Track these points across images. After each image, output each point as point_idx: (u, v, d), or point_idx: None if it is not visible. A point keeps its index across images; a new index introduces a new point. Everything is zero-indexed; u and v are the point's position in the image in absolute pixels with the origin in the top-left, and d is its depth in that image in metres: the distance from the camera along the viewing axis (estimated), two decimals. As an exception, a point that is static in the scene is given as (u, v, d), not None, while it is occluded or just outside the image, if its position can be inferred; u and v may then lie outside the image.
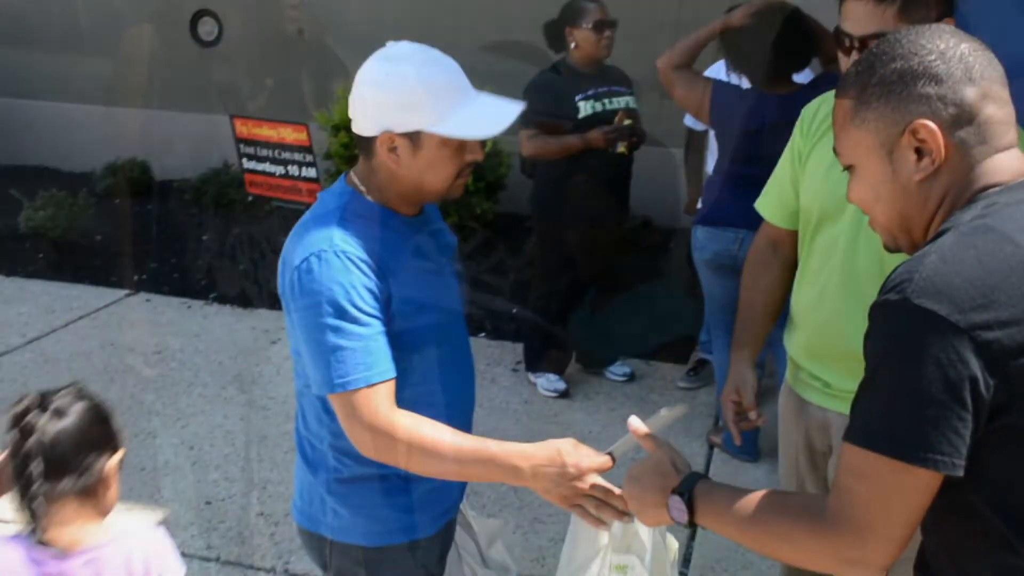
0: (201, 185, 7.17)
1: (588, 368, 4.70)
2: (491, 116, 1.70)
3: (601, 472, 1.67)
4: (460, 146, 1.72)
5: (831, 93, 2.19)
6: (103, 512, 1.74)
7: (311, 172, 5.54)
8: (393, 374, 1.72)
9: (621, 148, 4.13)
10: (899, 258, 1.96)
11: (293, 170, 5.63)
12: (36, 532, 1.65)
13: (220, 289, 5.77)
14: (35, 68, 8.03)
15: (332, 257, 1.68)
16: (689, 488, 1.45)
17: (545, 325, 4.45)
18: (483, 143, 1.75)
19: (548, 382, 4.48)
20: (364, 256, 1.69)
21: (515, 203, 5.95)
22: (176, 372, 4.64)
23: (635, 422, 1.62)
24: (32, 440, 1.62)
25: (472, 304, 5.51)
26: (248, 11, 7.42)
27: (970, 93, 1.27)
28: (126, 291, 5.71)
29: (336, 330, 1.66)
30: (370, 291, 1.68)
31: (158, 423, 4.14)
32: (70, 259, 6.13)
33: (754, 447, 3.92)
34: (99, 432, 1.71)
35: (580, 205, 4.22)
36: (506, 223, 6.73)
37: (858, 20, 1.93)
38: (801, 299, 2.15)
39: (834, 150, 1.44)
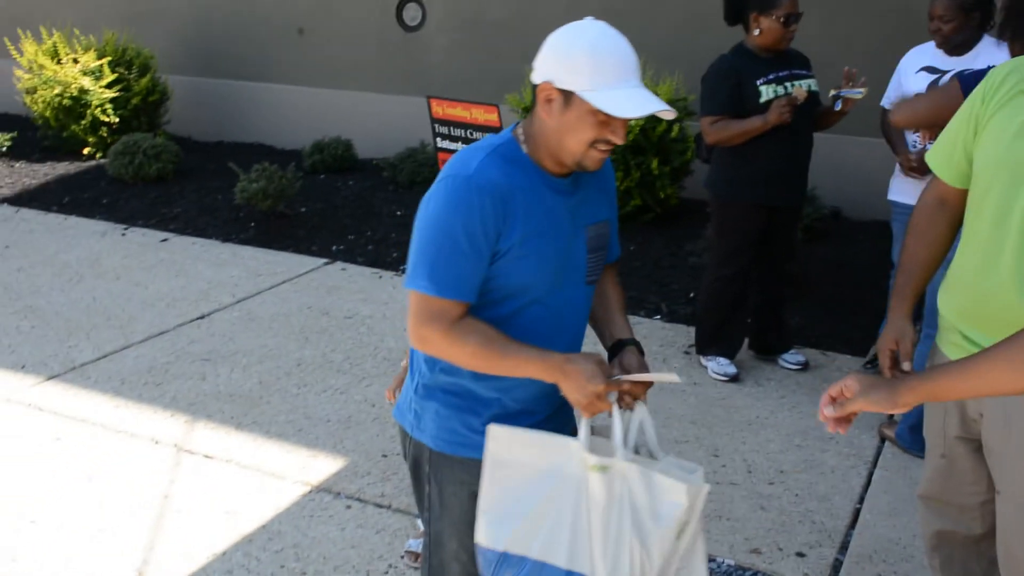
0: (399, 163, 7.54)
1: (761, 355, 4.66)
2: (638, 103, 1.78)
3: (609, 391, 1.89)
4: (605, 121, 1.81)
5: (1022, 59, 2.06)
6: None
7: (499, 152, 5.72)
8: (466, 299, 1.88)
9: (848, 102, 4.05)
10: None
11: (483, 150, 5.84)
12: None
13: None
14: (256, 53, 8.67)
15: (461, 183, 1.85)
16: None
17: (717, 309, 4.45)
18: (627, 132, 1.84)
19: (719, 366, 4.48)
20: (491, 192, 1.84)
21: (700, 189, 5.95)
22: (364, 336, 4.96)
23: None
24: None
25: (648, 287, 5.57)
26: (450, -3, 7.73)
27: None
28: (325, 260, 6.11)
29: (437, 243, 1.85)
30: (483, 223, 1.84)
31: (345, 381, 4.44)
32: (277, 228, 6.62)
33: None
34: None
35: (754, 189, 4.20)
36: (691, 208, 6.73)
37: None
38: (965, 263, 2.10)
39: None
